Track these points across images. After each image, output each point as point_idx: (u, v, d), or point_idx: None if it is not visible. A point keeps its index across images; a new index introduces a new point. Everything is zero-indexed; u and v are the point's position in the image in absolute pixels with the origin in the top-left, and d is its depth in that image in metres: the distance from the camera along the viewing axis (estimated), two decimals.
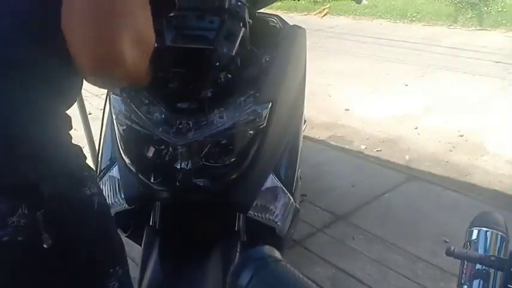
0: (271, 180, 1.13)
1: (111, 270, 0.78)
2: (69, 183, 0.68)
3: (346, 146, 3.10)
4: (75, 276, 0.73)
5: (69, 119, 0.73)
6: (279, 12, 5.99)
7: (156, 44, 1.01)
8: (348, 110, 3.76)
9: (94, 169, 0.79)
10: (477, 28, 6.72)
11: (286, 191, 1.16)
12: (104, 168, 1.20)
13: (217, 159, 1.04)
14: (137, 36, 0.63)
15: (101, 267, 0.77)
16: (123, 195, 1.13)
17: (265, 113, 1.07)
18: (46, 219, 0.64)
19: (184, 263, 1.12)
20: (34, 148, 0.64)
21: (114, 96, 1.10)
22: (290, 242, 1.48)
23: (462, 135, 3.18)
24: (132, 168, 1.10)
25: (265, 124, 1.07)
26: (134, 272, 1.12)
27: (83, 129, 2.47)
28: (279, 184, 1.14)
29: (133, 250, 1.91)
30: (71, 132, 0.73)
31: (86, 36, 0.60)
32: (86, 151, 2.76)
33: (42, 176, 0.64)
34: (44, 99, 0.66)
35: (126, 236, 1.37)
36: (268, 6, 1.66)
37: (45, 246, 0.64)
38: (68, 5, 0.60)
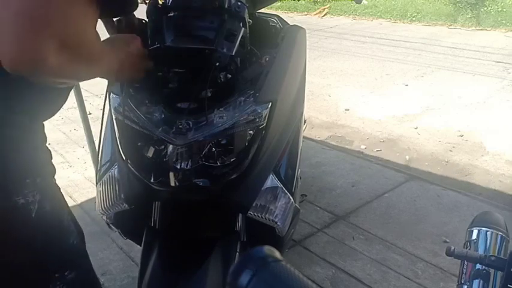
0: (271, 180, 1.13)
1: (57, 275, 0.80)
2: None
3: (346, 146, 3.10)
4: (10, 281, 0.75)
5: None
6: (279, 12, 6.00)
7: (156, 44, 1.02)
8: (348, 110, 3.76)
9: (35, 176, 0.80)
10: (477, 28, 6.73)
11: (286, 191, 1.16)
12: (103, 169, 1.20)
13: (217, 159, 1.04)
14: (67, 40, 0.62)
15: (42, 272, 0.79)
16: (123, 196, 1.13)
17: (265, 113, 1.07)
18: None
19: (184, 263, 1.12)
20: None
21: (114, 96, 1.10)
22: (290, 242, 1.48)
23: (462, 135, 3.18)
24: (132, 168, 1.10)
25: (265, 124, 1.07)
26: (134, 272, 1.12)
27: (83, 129, 2.47)
28: (279, 184, 1.14)
29: (133, 250, 1.93)
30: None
31: (6, 41, 0.59)
32: (86, 151, 2.76)
33: None
34: None
35: (126, 236, 1.37)
36: (268, 6, 1.66)
37: None
38: None
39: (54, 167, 0.85)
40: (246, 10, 1.08)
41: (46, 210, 0.77)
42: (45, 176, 0.79)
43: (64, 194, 0.89)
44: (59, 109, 0.84)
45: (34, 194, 0.74)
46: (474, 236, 0.91)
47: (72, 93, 2.33)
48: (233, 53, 1.01)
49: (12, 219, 0.73)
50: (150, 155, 1.04)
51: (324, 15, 8.47)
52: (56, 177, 0.86)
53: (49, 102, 0.76)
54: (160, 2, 1.08)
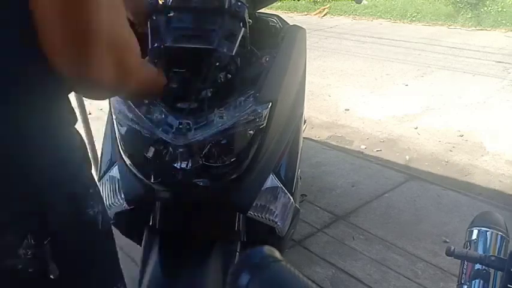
0: (271, 180, 1.13)
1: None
2: (74, 206, 0.65)
3: (346, 146, 3.10)
4: None
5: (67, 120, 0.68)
6: (279, 12, 6.00)
7: (156, 44, 1.02)
8: (348, 110, 3.76)
9: (96, 181, 0.75)
10: (477, 28, 6.72)
11: (286, 191, 1.16)
12: (104, 168, 1.20)
13: (217, 159, 1.04)
14: (118, 59, 0.60)
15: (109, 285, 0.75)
16: (123, 196, 1.13)
17: (265, 113, 1.07)
18: (53, 248, 0.60)
19: (184, 263, 1.12)
20: (35, 173, 0.60)
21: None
22: (290, 242, 1.48)
23: (462, 135, 3.18)
24: (132, 168, 1.10)
25: (265, 124, 1.07)
26: (134, 272, 1.12)
27: (83, 129, 2.47)
28: (279, 184, 1.14)
29: (133, 250, 1.92)
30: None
31: (62, 60, 0.57)
32: None
33: (46, 202, 0.60)
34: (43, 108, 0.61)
35: (126, 236, 1.37)
36: (268, 6, 1.67)
37: (52, 277, 0.61)
38: (42, 28, 0.55)
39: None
40: (246, 10, 1.08)
41: (107, 221, 0.73)
42: (95, 185, 0.74)
43: None
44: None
45: (97, 204, 0.70)
46: (474, 236, 0.92)
47: (72, 94, 2.34)
48: (233, 53, 1.01)
49: (89, 233, 0.68)
50: (150, 155, 1.04)
51: (324, 15, 8.46)
52: None
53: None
54: (160, 2, 1.08)
